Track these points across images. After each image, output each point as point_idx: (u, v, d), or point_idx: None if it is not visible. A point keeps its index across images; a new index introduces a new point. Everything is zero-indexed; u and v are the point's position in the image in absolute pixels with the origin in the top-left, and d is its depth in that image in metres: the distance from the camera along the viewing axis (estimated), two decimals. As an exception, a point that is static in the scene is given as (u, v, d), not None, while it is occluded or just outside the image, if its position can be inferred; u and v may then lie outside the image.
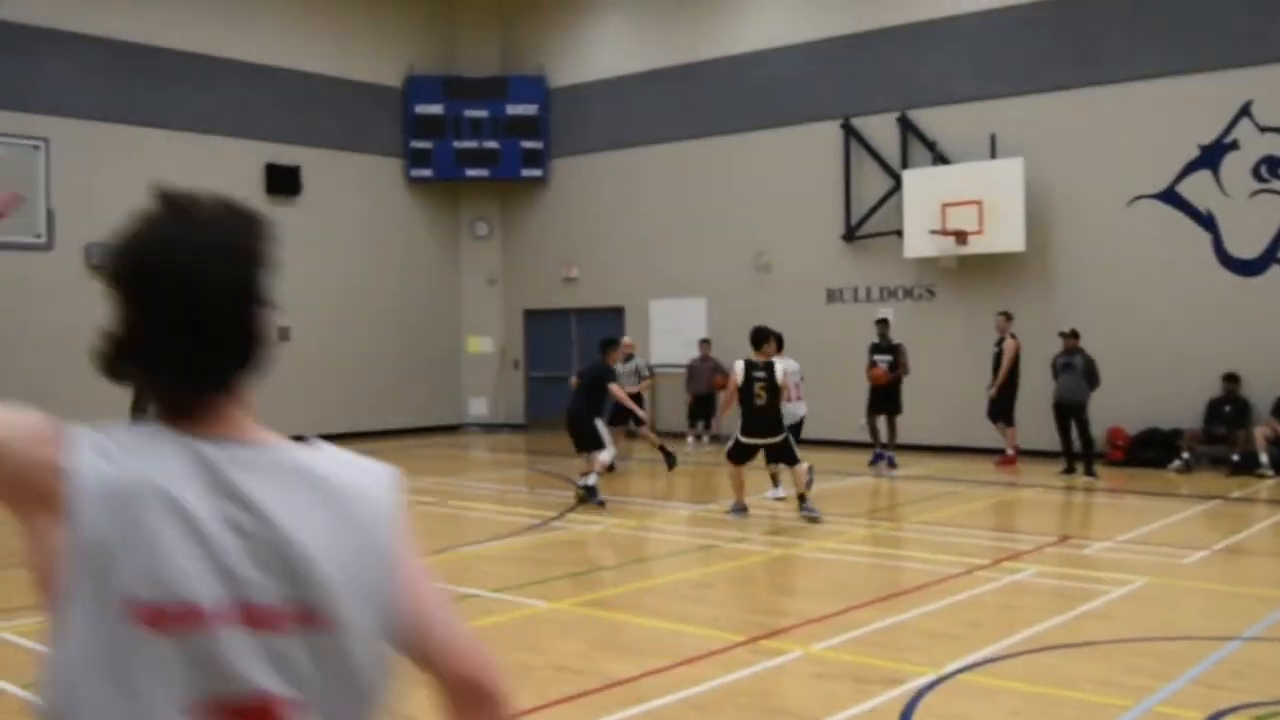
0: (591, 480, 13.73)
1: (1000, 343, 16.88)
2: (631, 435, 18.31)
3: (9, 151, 15.59)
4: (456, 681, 1.87)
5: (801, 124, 20.87)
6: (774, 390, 12.43)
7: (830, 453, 19.13)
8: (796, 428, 14.43)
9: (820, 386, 20.24)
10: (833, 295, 20.55)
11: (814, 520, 12.24)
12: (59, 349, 19.42)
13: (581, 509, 13.36)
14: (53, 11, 19.45)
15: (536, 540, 11.62)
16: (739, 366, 12.65)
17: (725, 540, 11.50)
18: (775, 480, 14.16)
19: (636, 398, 17.46)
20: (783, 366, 12.58)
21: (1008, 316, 17.02)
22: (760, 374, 12.47)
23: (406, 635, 1.78)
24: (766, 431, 12.50)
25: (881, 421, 17.31)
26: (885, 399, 17.21)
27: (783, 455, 12.69)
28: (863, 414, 17.62)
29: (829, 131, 20.49)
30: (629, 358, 17.95)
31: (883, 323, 17.69)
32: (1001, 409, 16.94)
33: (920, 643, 7.45)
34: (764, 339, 12.70)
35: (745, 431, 12.59)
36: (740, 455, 12.70)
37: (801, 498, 12.57)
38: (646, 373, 18.87)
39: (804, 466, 12.65)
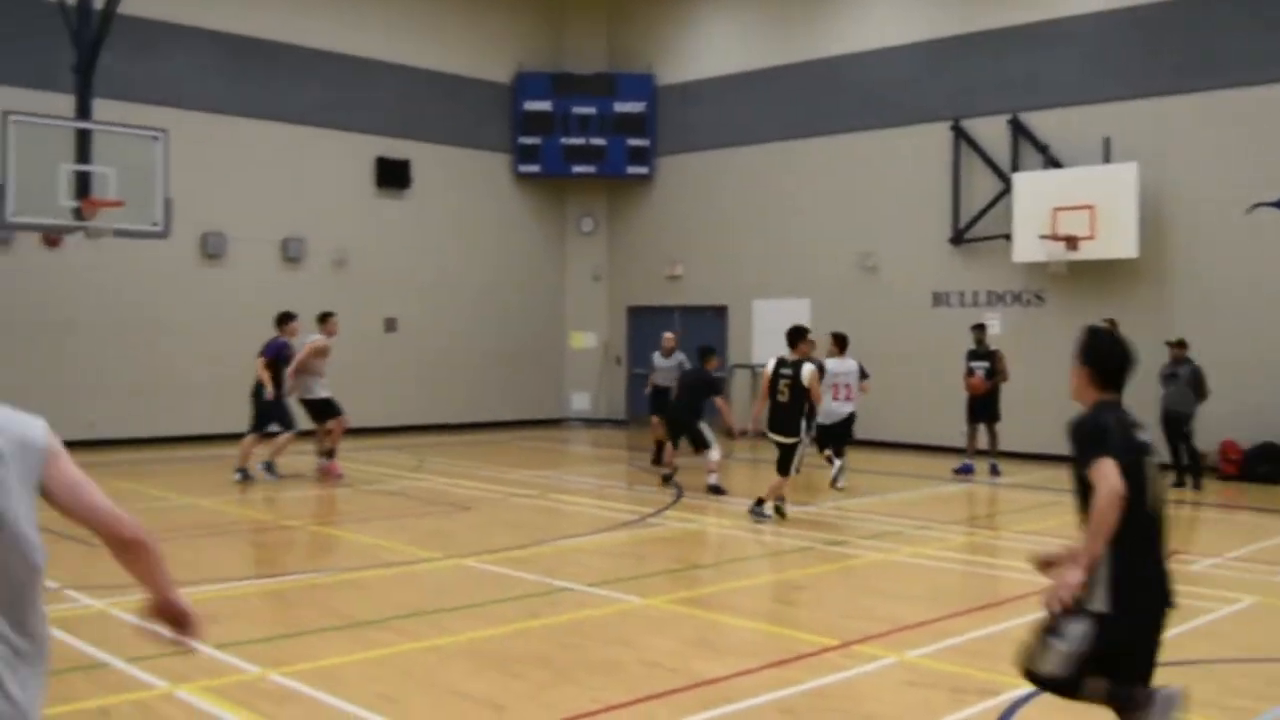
0: (714, 480, 14.56)
1: None
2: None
3: (129, 141, 15.98)
4: (107, 535, 3.06)
5: (910, 125, 20.66)
6: (799, 390, 12.33)
7: (931, 458, 18.92)
8: (841, 425, 15.14)
9: (923, 391, 20.07)
10: (939, 299, 20.30)
11: (761, 520, 12.38)
12: (172, 335, 19.99)
13: (677, 507, 13.39)
14: (173, 6, 19.99)
15: (633, 536, 11.66)
16: (771, 362, 12.76)
17: (822, 543, 11.43)
18: (831, 460, 15.03)
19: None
20: (810, 367, 12.39)
21: (1111, 324, 16.69)
22: (786, 371, 12.48)
23: (64, 505, 2.93)
24: (779, 429, 12.51)
25: (980, 430, 17.05)
26: (984, 407, 16.95)
27: (782, 461, 12.53)
28: (965, 420, 17.38)
29: (938, 133, 20.24)
30: (671, 352, 17.92)
31: (979, 328, 17.45)
32: None
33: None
34: (799, 337, 12.67)
35: (768, 427, 12.71)
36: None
37: (760, 501, 12.63)
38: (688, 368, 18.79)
39: (781, 480, 12.59)
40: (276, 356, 15.24)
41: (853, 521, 12.71)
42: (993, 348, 17.23)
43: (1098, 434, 4.73)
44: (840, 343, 15.59)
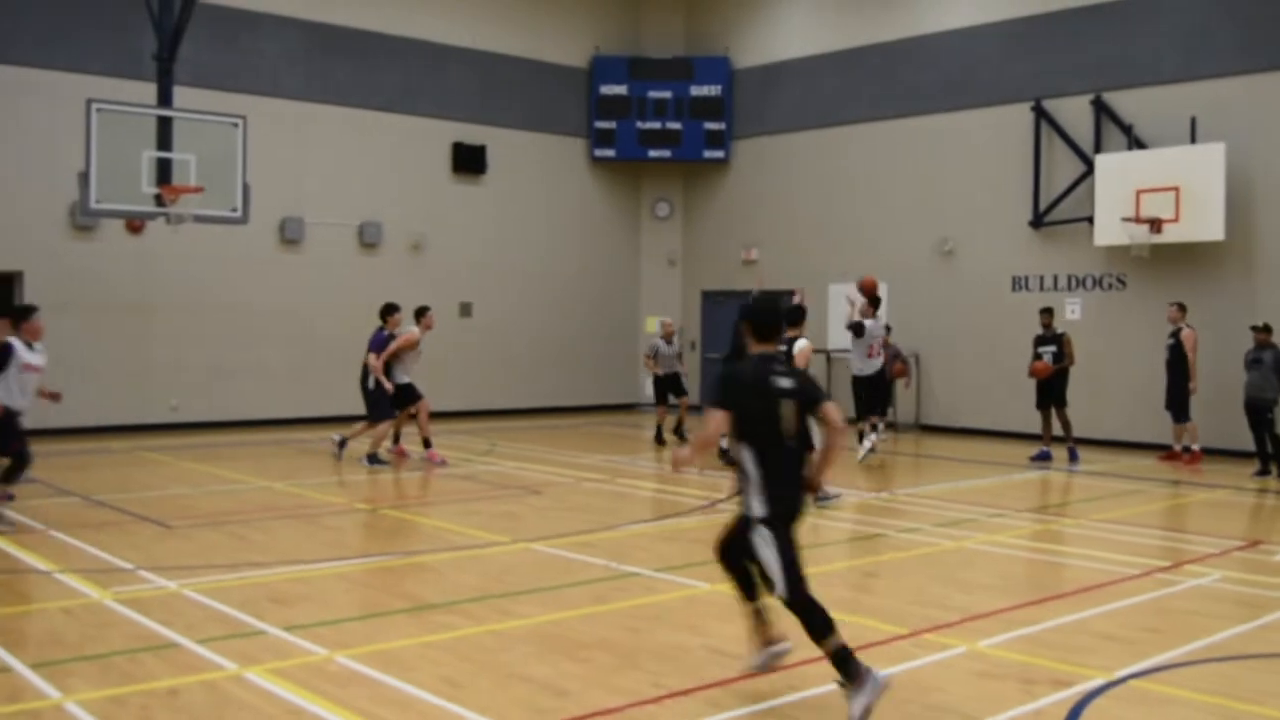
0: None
1: (1176, 334, 16.30)
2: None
3: (209, 128, 16.19)
4: None
5: (990, 106, 20.33)
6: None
7: (1009, 445, 18.64)
8: (873, 380, 16.25)
9: (1001, 377, 19.77)
10: (1018, 283, 19.96)
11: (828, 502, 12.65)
12: (251, 320, 20.25)
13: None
14: (254, -6, 20.23)
15: (702, 521, 11.60)
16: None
17: (895, 530, 11.29)
18: (861, 436, 16.02)
19: (675, 379, 18.73)
20: (803, 342, 12.58)
21: (1181, 307, 16.51)
22: (782, 349, 12.83)
23: None
24: None
25: (1052, 415, 16.73)
26: (1050, 391, 16.68)
27: None
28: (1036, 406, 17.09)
29: (1019, 114, 19.89)
30: (669, 338, 18.80)
31: (1047, 312, 17.13)
32: (1178, 403, 16.32)
33: (1092, 645, 7.17)
34: (800, 317, 12.83)
35: None
36: None
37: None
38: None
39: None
40: (382, 349, 15.37)
41: (926, 509, 12.55)
42: (1059, 331, 16.92)
43: (719, 386, 6.16)
44: (875, 304, 16.08)
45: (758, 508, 6.02)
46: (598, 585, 8.64)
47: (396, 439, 16.17)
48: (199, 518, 11.40)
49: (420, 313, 15.90)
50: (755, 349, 6.11)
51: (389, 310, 15.67)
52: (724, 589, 8.45)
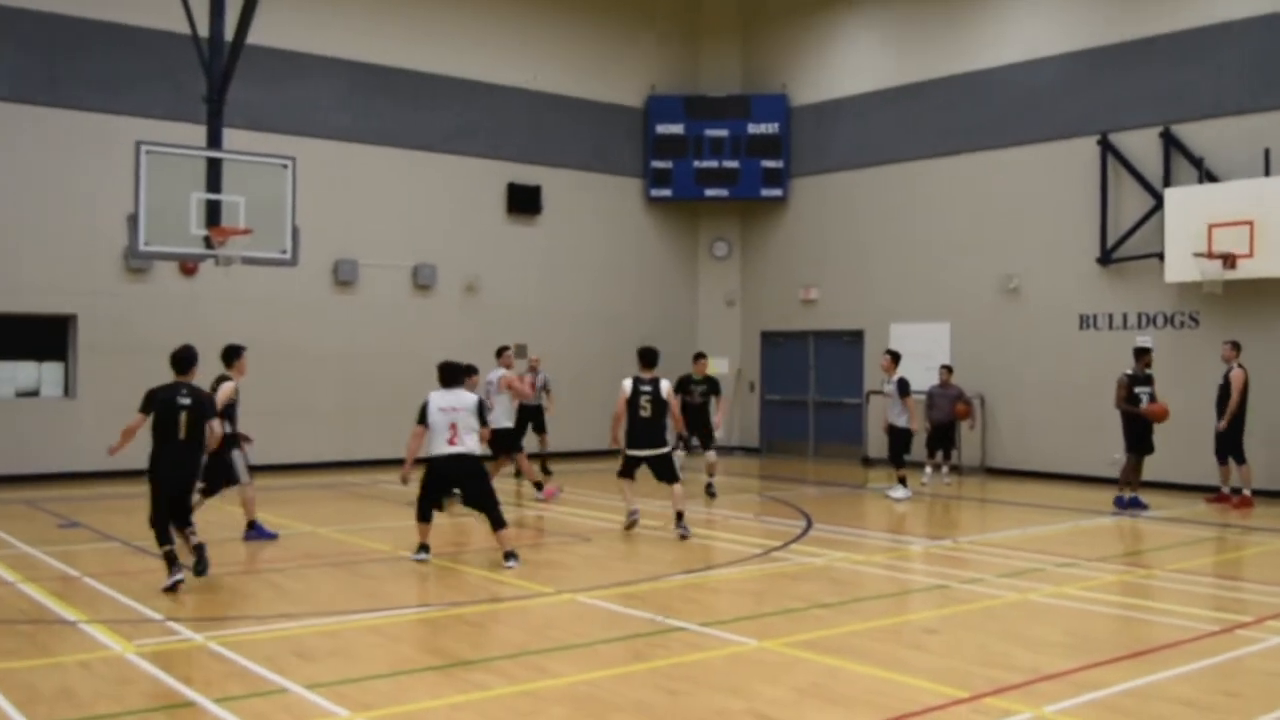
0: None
1: (1228, 373, 15.72)
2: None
3: (258, 170, 16.07)
4: None
5: (1055, 140, 19.81)
6: (659, 405, 13.31)
7: (1076, 489, 18.00)
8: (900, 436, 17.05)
9: (1067, 419, 19.17)
10: (1085, 321, 19.35)
11: (684, 538, 12.85)
12: (305, 362, 20.10)
13: (805, 540, 12.83)
14: (303, 37, 20.22)
15: (755, 571, 11.15)
16: (627, 384, 13.46)
17: (958, 581, 10.76)
18: (904, 481, 16.44)
19: (538, 412, 18.39)
20: (667, 384, 13.52)
21: (1235, 346, 16.03)
22: (646, 389, 13.32)
23: None
24: (650, 445, 13.28)
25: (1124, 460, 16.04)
26: (1146, 435, 15.87)
27: (665, 471, 13.27)
28: (1117, 449, 16.42)
29: (1085, 148, 19.34)
30: (534, 370, 18.61)
31: (1145, 352, 16.21)
32: (1231, 444, 15.71)
33: (1169, 711, 6.64)
34: (653, 360, 13.65)
35: (630, 444, 13.35)
36: (629, 469, 13.49)
37: (679, 515, 13.11)
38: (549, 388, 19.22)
39: (680, 487, 13.29)
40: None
41: (991, 557, 12.00)
42: (1148, 372, 16.19)
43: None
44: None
45: None
46: (639, 641, 8.22)
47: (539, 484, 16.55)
48: (237, 565, 11.14)
49: (498, 353, 16.84)
50: None
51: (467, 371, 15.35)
52: (772, 645, 8.03)
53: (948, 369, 19.59)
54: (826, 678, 7.30)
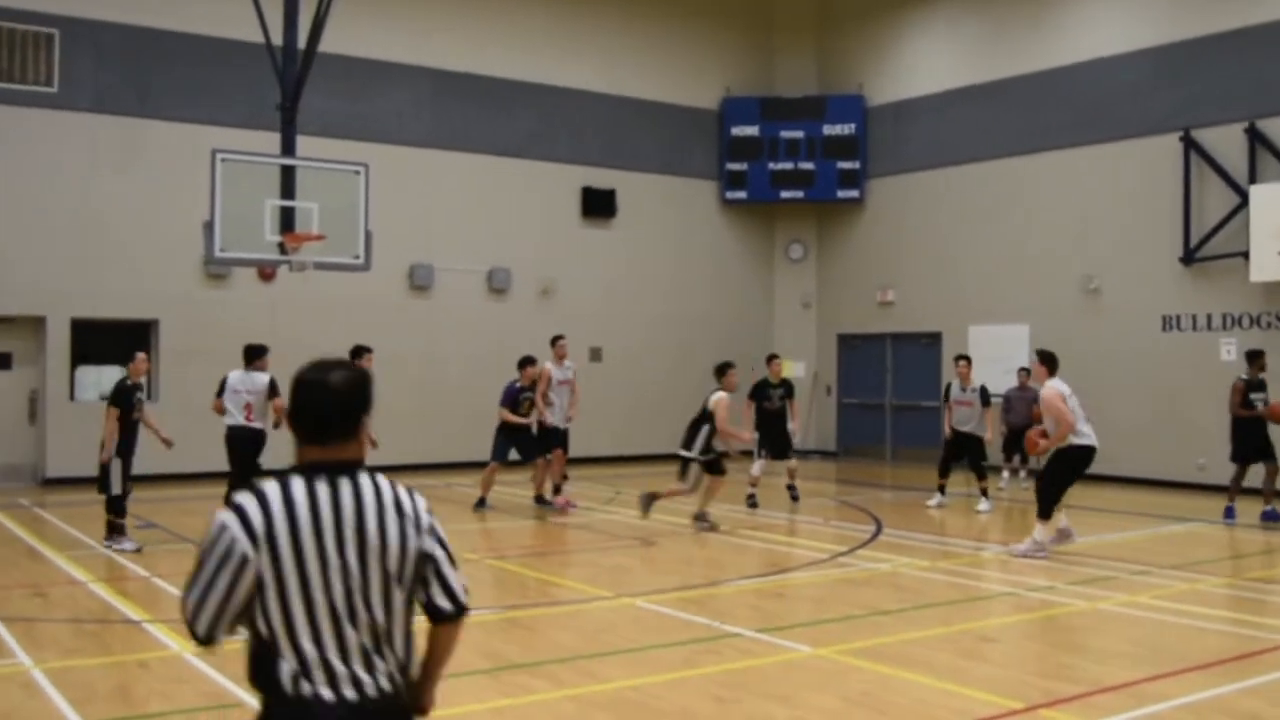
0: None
1: None
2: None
3: (332, 176, 16.27)
4: None
5: (1136, 138, 19.37)
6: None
7: (1157, 495, 17.60)
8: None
9: (1150, 422, 18.73)
10: (1168, 323, 18.91)
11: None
12: (381, 366, 20.24)
13: (873, 545, 12.68)
14: (376, 44, 20.44)
15: (818, 577, 11.03)
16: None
17: (1026, 589, 10.55)
18: (985, 493, 15.93)
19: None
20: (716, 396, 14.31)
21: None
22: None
23: None
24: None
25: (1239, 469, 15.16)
26: (1263, 441, 14.83)
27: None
28: (1202, 453, 15.97)
29: (1167, 145, 18.90)
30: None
31: (1259, 355, 15.12)
32: None
33: (1230, 725, 6.45)
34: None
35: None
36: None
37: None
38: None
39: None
40: (509, 400, 15.81)
41: (1063, 564, 11.75)
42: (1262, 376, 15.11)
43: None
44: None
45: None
46: (692, 647, 8.15)
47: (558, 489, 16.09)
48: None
49: (552, 343, 16.57)
50: None
51: (523, 362, 16.04)
52: (826, 653, 7.92)
53: (1025, 371, 19.19)
54: (877, 686, 7.19)
